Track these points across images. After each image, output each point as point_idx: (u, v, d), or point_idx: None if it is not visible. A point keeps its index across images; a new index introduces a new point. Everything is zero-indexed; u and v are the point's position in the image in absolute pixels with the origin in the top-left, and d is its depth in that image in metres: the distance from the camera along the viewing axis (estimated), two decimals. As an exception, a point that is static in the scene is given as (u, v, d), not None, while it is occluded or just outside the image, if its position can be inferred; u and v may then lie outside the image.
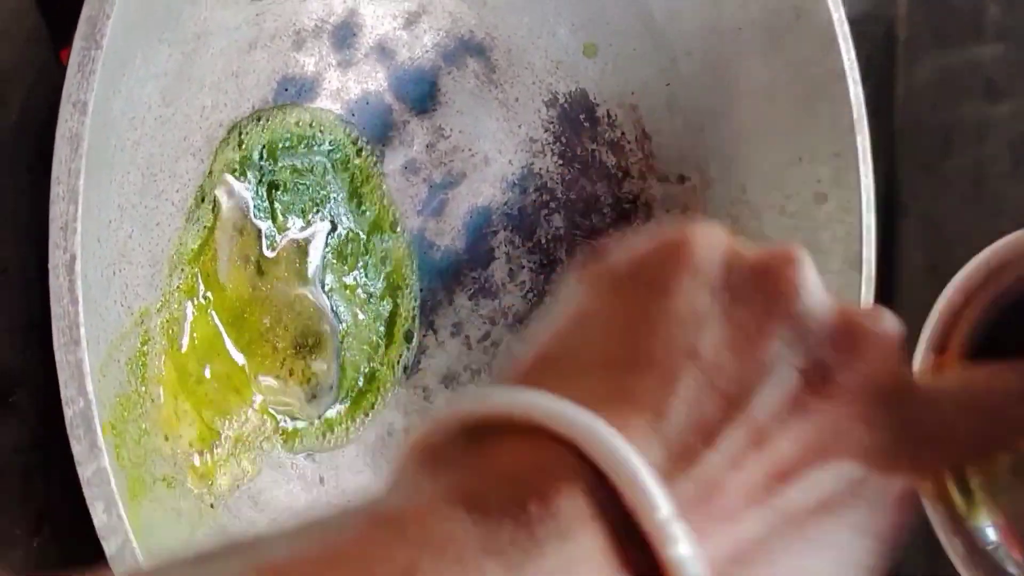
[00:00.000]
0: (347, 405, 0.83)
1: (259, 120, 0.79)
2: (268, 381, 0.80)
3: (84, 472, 0.55)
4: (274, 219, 0.80)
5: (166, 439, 0.71)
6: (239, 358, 0.78)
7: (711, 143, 0.83)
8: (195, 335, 0.75)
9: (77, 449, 0.55)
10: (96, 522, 0.55)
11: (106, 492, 0.55)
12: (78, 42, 0.55)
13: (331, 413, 0.83)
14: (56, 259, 0.55)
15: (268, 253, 0.80)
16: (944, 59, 1.00)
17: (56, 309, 0.55)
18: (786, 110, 0.79)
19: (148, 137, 0.69)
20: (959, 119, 0.99)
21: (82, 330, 0.55)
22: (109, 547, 0.55)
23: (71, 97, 0.55)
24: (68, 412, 0.54)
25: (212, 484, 0.74)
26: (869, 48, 0.97)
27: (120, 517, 0.55)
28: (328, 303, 0.83)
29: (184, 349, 0.74)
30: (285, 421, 0.80)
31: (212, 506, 0.73)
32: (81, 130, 0.55)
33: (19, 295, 0.62)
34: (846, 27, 0.76)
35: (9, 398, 0.63)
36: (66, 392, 0.54)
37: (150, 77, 0.68)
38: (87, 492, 0.55)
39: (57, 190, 0.55)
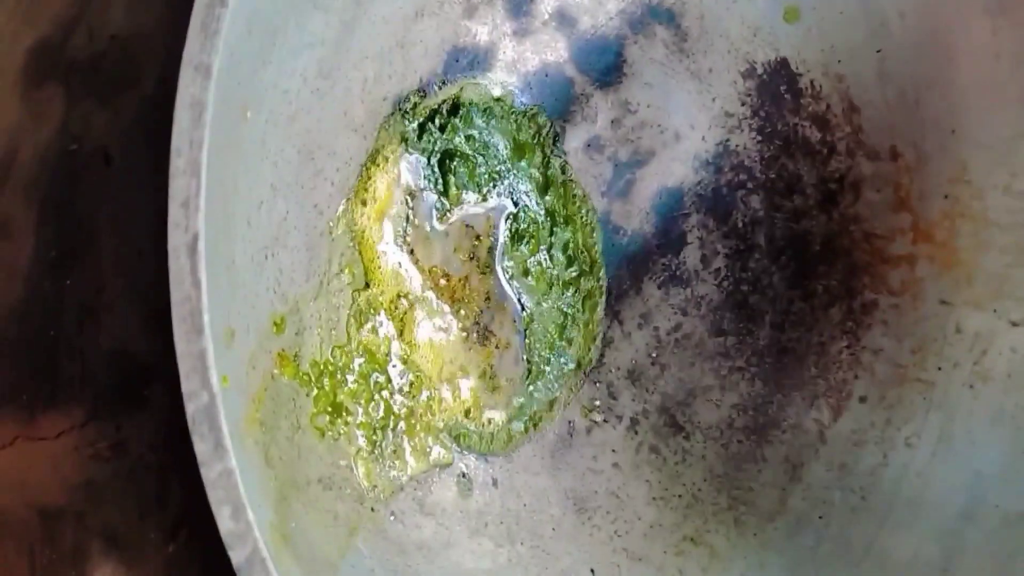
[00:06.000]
0: (527, 400, 0.79)
1: (428, 93, 0.74)
2: (442, 372, 0.76)
3: (208, 473, 0.50)
4: (446, 191, 0.76)
5: (322, 436, 0.67)
6: (405, 349, 0.74)
7: (927, 115, 0.76)
8: (355, 325, 0.71)
9: (200, 448, 0.50)
10: (222, 528, 0.51)
11: (233, 495, 0.50)
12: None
13: (509, 408, 0.78)
14: (176, 239, 0.50)
15: (438, 226, 0.75)
16: None
17: (176, 294, 0.50)
18: (1011, 76, 0.72)
19: (304, 112, 0.65)
20: None
21: (205, 317, 0.50)
22: (236, 556, 0.51)
23: (192, 60, 0.50)
24: (190, 408, 0.50)
25: (374, 486, 0.69)
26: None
27: (249, 523, 0.51)
28: (510, 289, 0.79)
29: (343, 339, 0.70)
30: (457, 420, 0.75)
31: (373, 509, 0.68)
32: (204, 96, 0.50)
33: (155, 281, 0.58)
34: (1081, -20, 0.68)
35: (144, 391, 0.59)
36: (188, 385, 0.50)
37: (304, 47, 0.64)
38: (211, 495, 0.50)
39: (177, 163, 0.50)
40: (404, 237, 0.74)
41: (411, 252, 0.74)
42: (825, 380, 0.79)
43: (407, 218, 0.74)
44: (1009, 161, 0.73)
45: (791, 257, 0.81)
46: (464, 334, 0.77)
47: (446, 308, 0.76)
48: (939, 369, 0.75)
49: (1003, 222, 0.73)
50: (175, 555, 0.61)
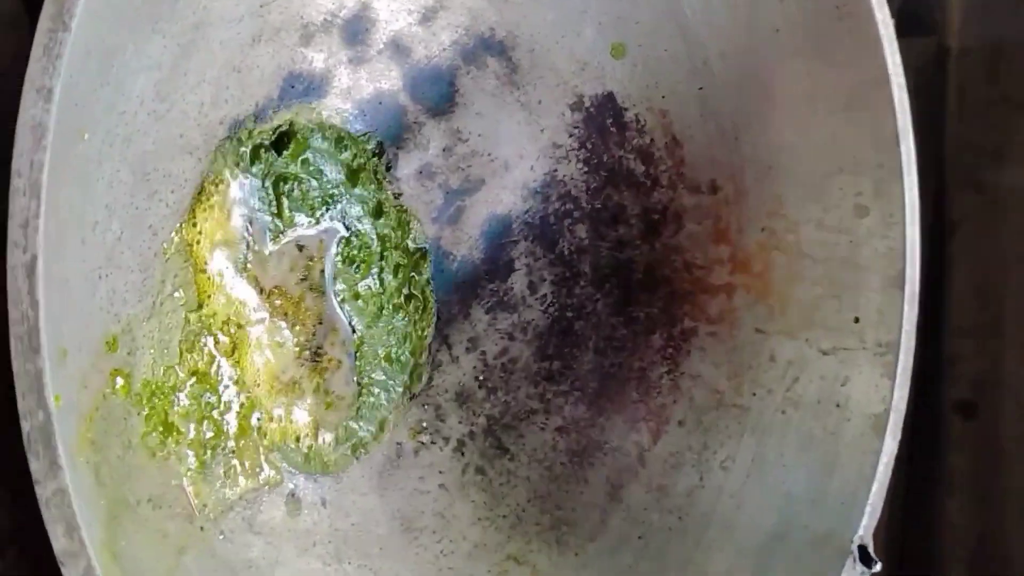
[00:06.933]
0: (356, 421, 0.79)
1: (263, 118, 0.75)
2: (273, 392, 0.76)
3: (43, 491, 0.50)
4: (279, 213, 0.76)
5: (153, 456, 0.67)
6: (237, 369, 0.74)
7: (746, 151, 0.78)
8: (187, 345, 0.71)
9: (35, 466, 0.50)
10: (56, 546, 0.51)
11: (67, 514, 0.51)
12: (44, 23, 0.51)
13: (339, 429, 0.79)
14: (15, 259, 0.50)
15: (271, 247, 0.76)
16: (997, 71, 0.95)
17: (14, 314, 0.50)
18: (826, 117, 0.74)
19: (140, 133, 0.65)
20: (1012, 134, 0.95)
21: (43, 336, 0.50)
22: (69, 574, 0.51)
23: (35, 83, 0.51)
24: (25, 426, 0.50)
25: (204, 505, 0.70)
26: (919, 60, 0.93)
27: (83, 541, 0.51)
28: (341, 312, 0.79)
29: (175, 360, 0.70)
30: (287, 440, 0.76)
31: (202, 528, 0.69)
32: (46, 119, 0.50)
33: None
34: (891, 28, 0.71)
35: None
36: (24, 404, 0.50)
37: (142, 69, 0.64)
38: (45, 513, 0.50)
39: (17, 184, 0.50)
40: (237, 258, 0.75)
41: (244, 273, 0.75)
42: (646, 404, 0.81)
43: (240, 239, 0.75)
44: (822, 197, 0.75)
45: (615, 285, 0.83)
46: (297, 349, 0.77)
47: (280, 325, 0.77)
48: (753, 395, 0.77)
49: (815, 255, 0.76)
50: (3, 573, 0.61)
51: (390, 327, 0.81)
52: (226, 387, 0.73)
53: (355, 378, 0.79)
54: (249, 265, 0.75)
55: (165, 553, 0.65)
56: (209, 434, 0.71)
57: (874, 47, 0.71)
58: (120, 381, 0.65)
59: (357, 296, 0.80)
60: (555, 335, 0.83)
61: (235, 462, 0.72)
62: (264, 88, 0.75)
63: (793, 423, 0.75)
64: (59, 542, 0.51)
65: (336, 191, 0.79)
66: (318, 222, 0.78)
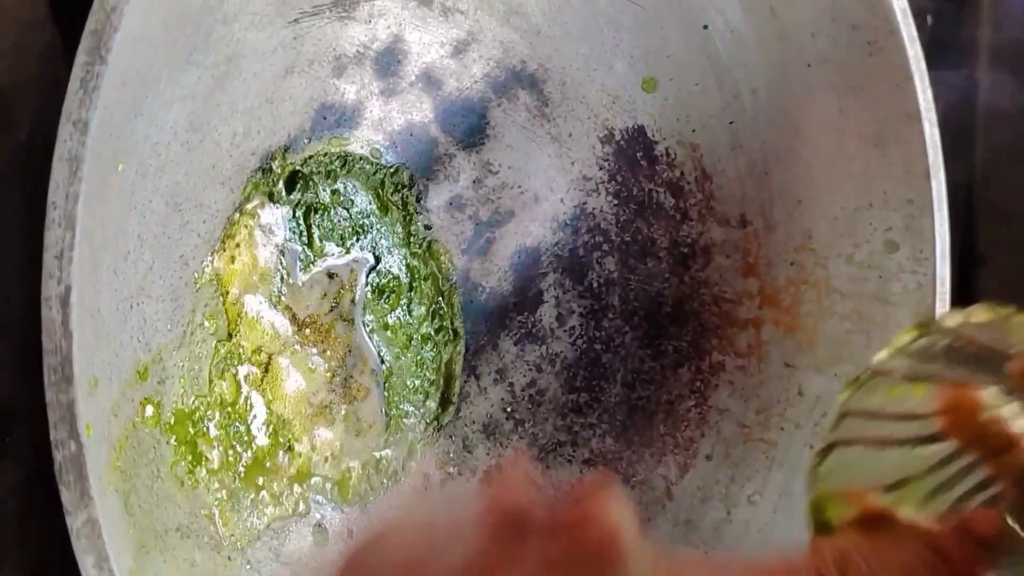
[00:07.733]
0: (383, 452, 0.79)
1: (295, 149, 0.75)
2: (302, 421, 0.76)
3: (73, 522, 0.51)
4: (310, 243, 0.76)
5: (181, 485, 0.67)
6: (267, 398, 0.74)
7: (776, 185, 0.78)
8: (216, 374, 0.71)
9: (67, 497, 0.50)
10: (85, 576, 0.51)
11: (97, 545, 0.51)
12: (81, 56, 0.51)
13: (366, 459, 0.79)
14: (49, 290, 0.51)
15: (302, 276, 0.76)
16: (1028, 105, 0.95)
17: (47, 344, 0.51)
18: (856, 152, 0.74)
19: (173, 164, 0.66)
20: (1043, 168, 0.95)
21: (76, 367, 0.50)
22: (98, 605, 0.51)
23: (71, 115, 0.51)
24: (57, 456, 0.50)
25: (231, 534, 0.70)
26: (949, 93, 0.92)
27: (112, 572, 0.51)
28: (370, 343, 0.79)
29: (205, 389, 0.70)
30: (314, 468, 0.76)
31: (230, 558, 0.69)
32: (81, 151, 0.51)
33: (20, 325, 0.58)
34: (923, 65, 0.71)
35: (6, 438, 0.59)
36: (56, 434, 0.50)
37: (176, 100, 0.65)
38: (75, 544, 0.51)
39: (53, 215, 0.51)
40: (271, 291, 0.75)
41: (275, 302, 0.75)
42: (673, 438, 0.81)
43: (271, 269, 0.75)
44: (852, 232, 0.75)
45: (643, 318, 0.83)
46: (329, 375, 0.78)
47: (311, 352, 0.77)
48: (782, 429, 0.77)
49: (844, 290, 0.76)
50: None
51: (419, 357, 0.81)
52: (255, 416, 0.73)
53: (383, 408, 0.79)
54: (283, 298, 0.75)
55: (193, 583, 0.65)
56: (238, 463, 0.71)
57: (905, 83, 0.71)
58: (150, 410, 0.65)
59: (386, 327, 0.80)
60: (583, 367, 0.83)
61: (263, 492, 0.73)
62: (296, 119, 0.75)
63: (821, 458, 0.75)
64: (88, 573, 0.51)
65: (367, 221, 0.79)
66: (348, 251, 0.78)
